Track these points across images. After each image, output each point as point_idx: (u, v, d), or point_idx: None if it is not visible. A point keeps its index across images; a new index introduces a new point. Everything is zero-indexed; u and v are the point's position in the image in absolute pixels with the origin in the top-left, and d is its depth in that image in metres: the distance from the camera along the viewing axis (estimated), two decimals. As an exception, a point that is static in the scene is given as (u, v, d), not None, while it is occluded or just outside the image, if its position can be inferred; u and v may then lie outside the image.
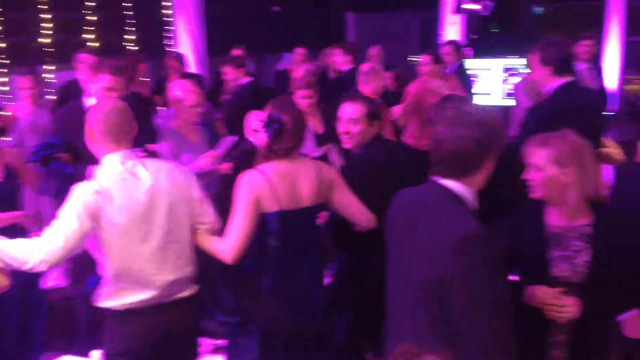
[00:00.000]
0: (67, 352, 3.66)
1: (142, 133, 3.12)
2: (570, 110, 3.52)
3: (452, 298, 2.11)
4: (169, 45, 8.95)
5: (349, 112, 3.48)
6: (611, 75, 13.48)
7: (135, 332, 2.81)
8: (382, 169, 3.39)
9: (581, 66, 6.76)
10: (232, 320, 3.19)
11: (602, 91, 6.89)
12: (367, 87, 5.48)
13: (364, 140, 3.49)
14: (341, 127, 3.52)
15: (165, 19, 9.01)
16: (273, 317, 3.08)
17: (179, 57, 7.50)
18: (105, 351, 2.88)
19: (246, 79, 6.10)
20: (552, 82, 3.86)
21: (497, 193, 2.97)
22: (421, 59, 6.38)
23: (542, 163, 2.53)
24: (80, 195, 2.73)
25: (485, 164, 2.23)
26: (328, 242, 3.49)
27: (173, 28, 9.02)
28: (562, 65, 3.85)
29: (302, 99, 4.81)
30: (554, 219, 2.59)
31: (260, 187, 2.98)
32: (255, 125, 3.88)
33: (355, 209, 3.19)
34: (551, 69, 3.84)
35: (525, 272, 2.63)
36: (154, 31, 8.92)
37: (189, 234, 2.97)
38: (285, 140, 3.04)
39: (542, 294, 2.51)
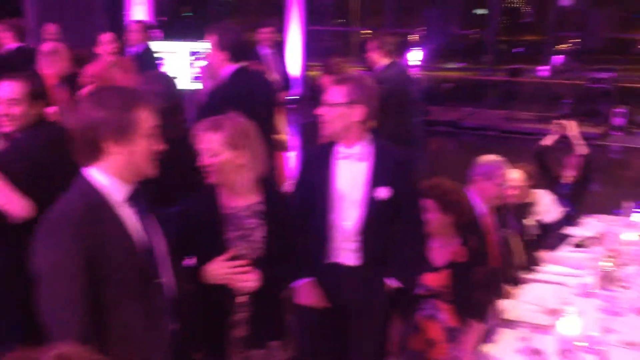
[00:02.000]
0: None
1: None
2: (242, 95, 3.63)
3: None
4: None
5: (8, 91, 3.13)
6: (294, 61, 14.54)
7: None
8: (46, 154, 3.10)
9: (265, 51, 7.10)
10: None
11: (284, 76, 7.29)
12: (50, 68, 5.03)
13: (27, 122, 3.16)
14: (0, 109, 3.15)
15: None
16: None
17: None
18: None
19: None
20: (228, 68, 3.95)
21: (170, 179, 2.93)
22: (102, 39, 6.08)
23: (215, 148, 2.54)
24: None
25: (111, 149, 2.06)
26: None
27: None
28: (237, 51, 3.95)
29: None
30: (227, 200, 2.62)
31: None
32: None
33: (4, 198, 2.89)
34: (227, 54, 3.91)
35: (204, 257, 2.61)
36: None
37: None
38: None
39: (221, 267, 2.52)
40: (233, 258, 2.54)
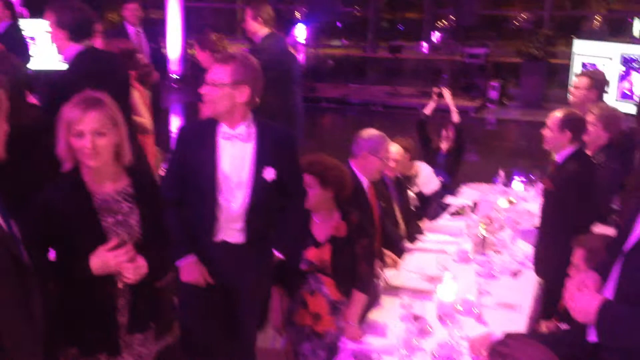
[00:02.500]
0: None
1: None
2: (90, 77, 3.34)
3: None
4: None
5: None
6: (174, 39, 14.16)
7: None
8: None
9: (131, 29, 6.81)
10: None
11: (154, 55, 7.00)
12: None
13: None
14: None
15: None
16: None
17: None
18: None
19: None
20: (70, 48, 3.69)
21: (26, 168, 2.75)
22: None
23: (94, 128, 2.36)
24: None
25: None
26: None
27: None
28: (77, 29, 3.68)
29: None
30: (95, 186, 2.47)
31: None
32: None
33: None
34: (66, 33, 3.65)
35: (81, 248, 2.44)
36: None
37: None
38: None
39: (111, 256, 2.37)
40: (116, 247, 2.42)
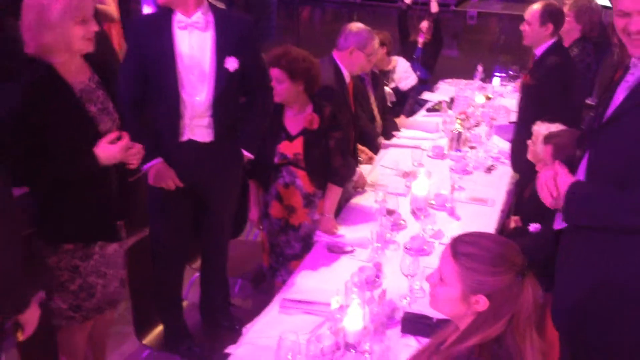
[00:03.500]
0: None
1: None
2: None
3: None
4: None
5: None
6: None
7: None
8: None
9: None
10: None
11: None
12: None
13: None
14: None
15: None
16: None
17: None
18: None
19: None
20: None
21: None
22: None
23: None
24: None
25: None
26: None
27: None
28: None
29: None
30: (72, 77, 2.36)
31: None
32: None
33: None
34: None
35: (72, 140, 2.37)
36: None
37: None
38: None
39: (116, 148, 2.37)
40: (103, 134, 2.40)
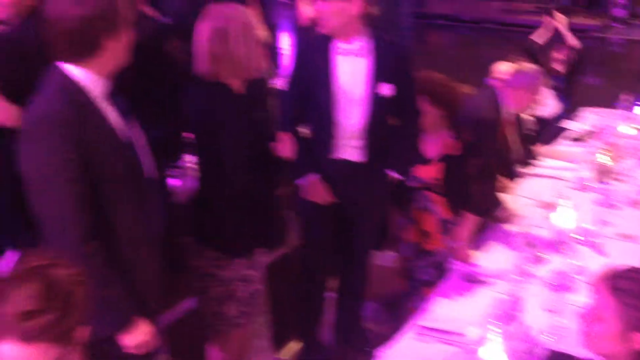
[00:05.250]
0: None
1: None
2: None
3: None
4: None
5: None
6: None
7: None
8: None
9: None
10: None
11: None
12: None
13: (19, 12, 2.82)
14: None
15: None
16: None
17: None
18: None
19: None
20: None
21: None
22: None
23: None
24: None
25: (107, 45, 1.90)
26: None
27: None
28: None
29: None
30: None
31: None
32: None
33: None
34: None
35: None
36: None
37: None
38: None
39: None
40: None
